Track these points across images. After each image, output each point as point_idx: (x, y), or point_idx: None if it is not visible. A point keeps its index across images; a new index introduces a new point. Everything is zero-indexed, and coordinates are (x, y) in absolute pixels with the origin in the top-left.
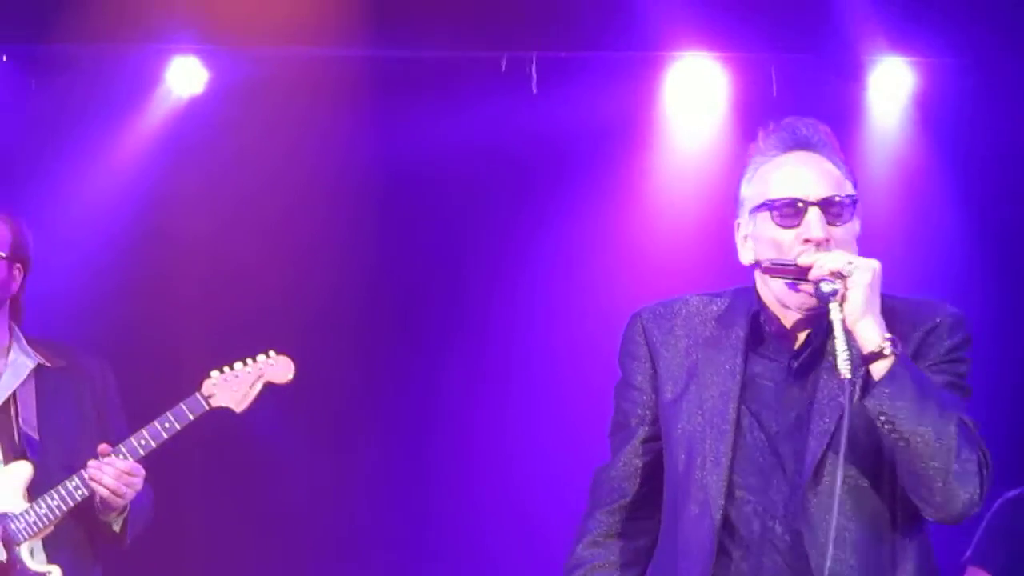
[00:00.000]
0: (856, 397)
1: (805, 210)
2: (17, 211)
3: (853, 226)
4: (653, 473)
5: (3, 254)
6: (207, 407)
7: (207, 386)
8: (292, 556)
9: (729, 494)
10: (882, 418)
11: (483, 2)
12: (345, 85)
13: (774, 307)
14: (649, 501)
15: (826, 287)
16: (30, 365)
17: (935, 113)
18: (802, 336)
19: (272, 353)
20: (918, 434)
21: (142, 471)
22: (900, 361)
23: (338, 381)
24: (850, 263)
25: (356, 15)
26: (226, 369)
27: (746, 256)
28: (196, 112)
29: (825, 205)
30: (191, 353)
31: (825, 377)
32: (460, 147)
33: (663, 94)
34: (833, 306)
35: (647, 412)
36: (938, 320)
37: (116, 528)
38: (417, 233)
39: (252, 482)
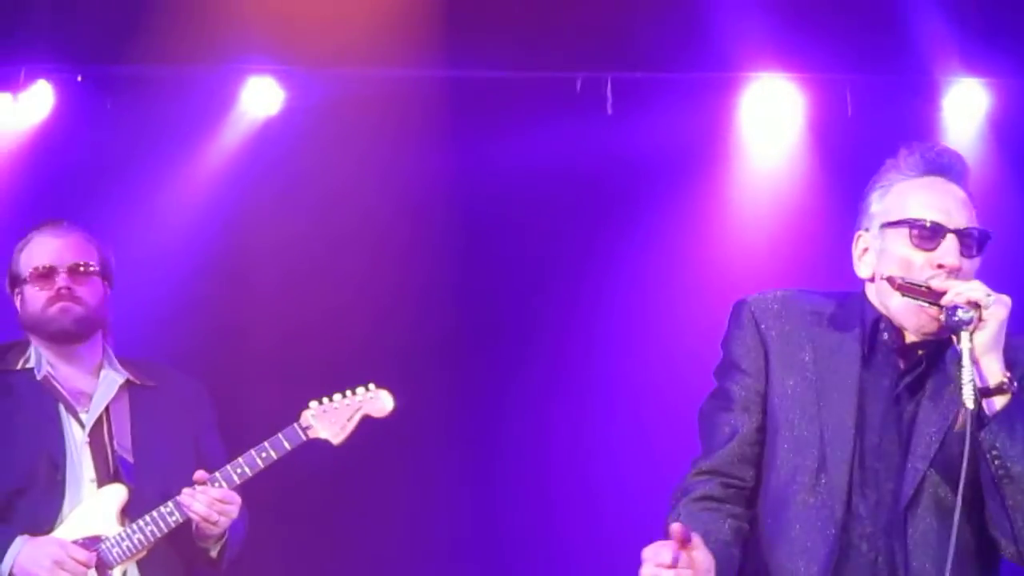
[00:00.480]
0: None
1: (943, 236)
2: (95, 231)
3: (977, 261)
4: (757, 463)
5: (95, 269)
6: (304, 438)
7: (305, 417)
8: None
9: (847, 498)
10: (993, 452)
11: (558, 23)
12: (421, 106)
13: (897, 321)
14: (749, 490)
15: (962, 314)
16: (119, 381)
17: (1011, 134)
18: (912, 356)
19: (372, 386)
20: (1022, 473)
21: (238, 499)
22: (1017, 399)
23: (421, 404)
24: (989, 295)
25: (432, 35)
26: (325, 400)
27: (864, 270)
28: (271, 133)
29: (962, 235)
30: (268, 385)
31: (927, 401)
32: (535, 169)
33: (738, 115)
34: (964, 335)
35: (756, 398)
36: None
37: (213, 554)
38: (494, 256)
39: (342, 511)
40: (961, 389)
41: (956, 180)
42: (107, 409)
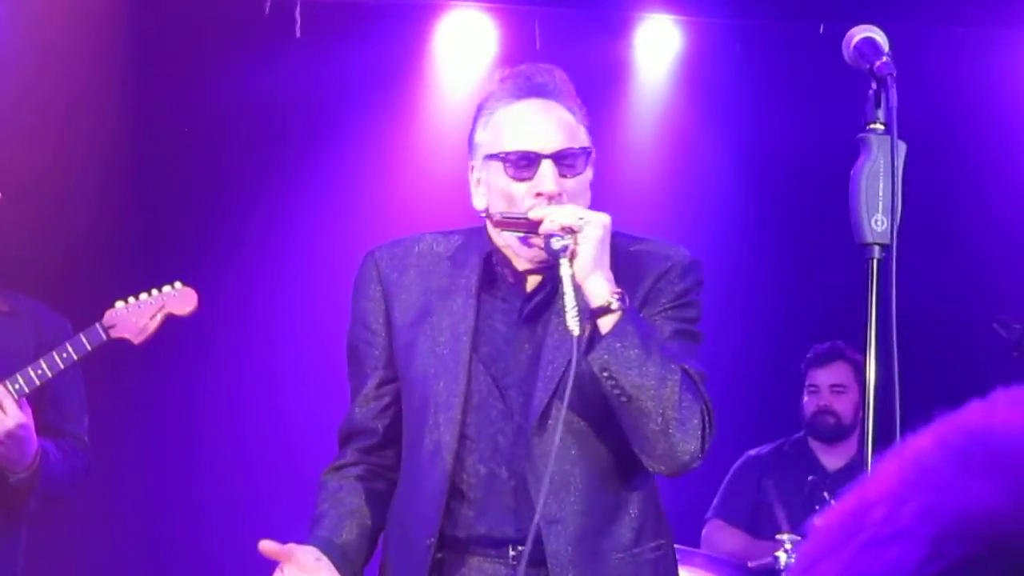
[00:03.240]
0: (582, 351)
1: (538, 163)
2: None
3: (586, 176)
4: (393, 416)
5: None
6: (105, 337)
7: (109, 316)
8: None
9: (461, 438)
10: (605, 373)
11: None
12: (114, 22)
13: (507, 251)
14: (391, 444)
15: (556, 243)
16: None
17: (700, 72)
18: (534, 281)
19: (178, 284)
20: (639, 388)
21: (15, 411)
22: (626, 316)
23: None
24: (581, 218)
25: None
26: (131, 299)
27: (478, 201)
28: None
29: (558, 158)
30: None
31: (555, 323)
32: (222, 93)
33: (430, 45)
34: (563, 262)
35: (382, 354)
36: (669, 264)
37: (11, 480)
38: (175, 181)
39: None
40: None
41: (554, 97)
42: None
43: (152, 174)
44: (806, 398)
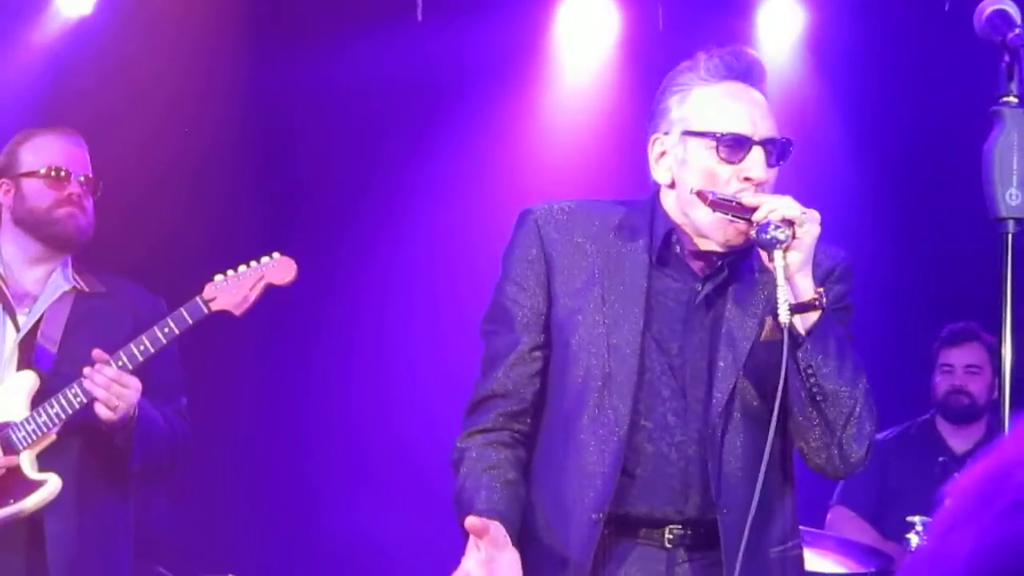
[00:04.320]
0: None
1: (749, 148)
2: None
3: (776, 171)
4: (540, 383)
5: (99, 187)
6: (207, 311)
7: (208, 290)
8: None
9: (632, 415)
10: (808, 371)
11: None
12: (231, 11)
13: (687, 229)
14: (532, 411)
15: (778, 233)
16: (65, 287)
17: (825, 50)
18: (709, 262)
19: (276, 254)
20: (836, 389)
21: (135, 382)
22: (825, 316)
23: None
24: (803, 212)
25: None
26: (230, 272)
27: (662, 175)
28: (85, 32)
29: (768, 145)
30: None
31: (731, 307)
32: (344, 75)
33: (552, 28)
34: (778, 253)
35: (536, 318)
36: (833, 265)
37: (119, 442)
38: (302, 163)
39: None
40: (773, 304)
41: (756, 84)
42: (44, 312)
43: (270, 158)
44: (938, 378)
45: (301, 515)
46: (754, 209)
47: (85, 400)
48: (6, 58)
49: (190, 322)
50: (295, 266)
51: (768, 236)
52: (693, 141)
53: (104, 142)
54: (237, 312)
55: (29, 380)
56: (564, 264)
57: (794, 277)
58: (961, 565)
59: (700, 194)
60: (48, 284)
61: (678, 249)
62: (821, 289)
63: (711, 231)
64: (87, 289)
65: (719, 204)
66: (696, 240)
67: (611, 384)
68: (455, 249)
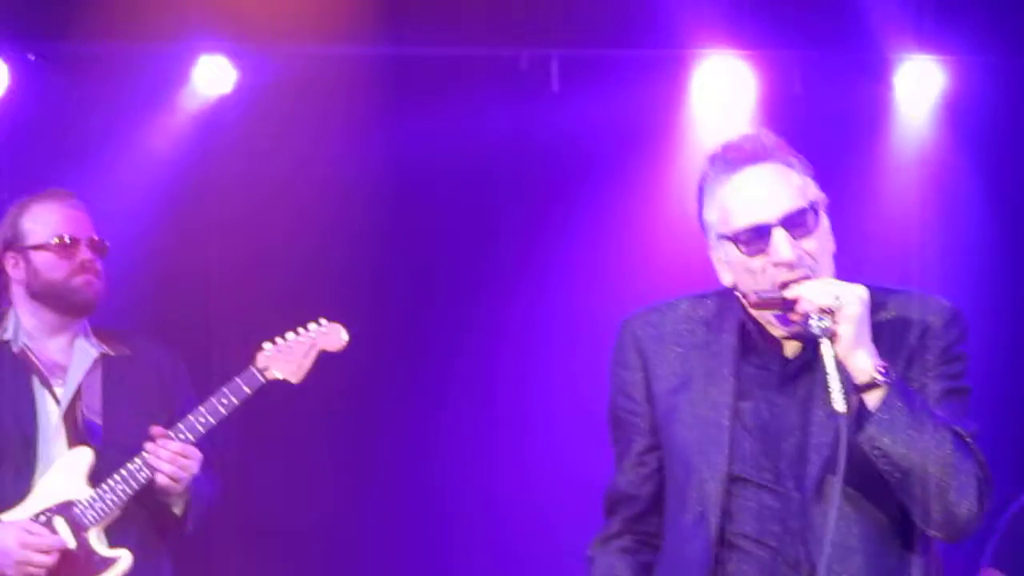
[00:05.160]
0: (851, 427)
1: (769, 233)
2: None
3: (823, 228)
4: (658, 483)
5: (107, 245)
6: (263, 380)
7: (261, 359)
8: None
9: (726, 504)
10: (876, 452)
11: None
12: (367, 83)
13: (762, 319)
14: (656, 511)
15: (816, 327)
16: (93, 354)
17: (965, 112)
18: (793, 346)
19: (323, 321)
20: (911, 463)
21: (197, 454)
22: (892, 390)
23: (349, 385)
24: (837, 297)
25: (377, 12)
26: (278, 340)
27: (725, 278)
28: (224, 111)
29: (787, 223)
30: (223, 345)
31: (819, 394)
32: (482, 147)
33: (686, 93)
34: (824, 343)
35: (644, 422)
36: (931, 319)
37: (177, 511)
38: (435, 233)
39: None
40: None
41: (768, 159)
42: (81, 383)
43: (407, 227)
44: None
45: None
46: (795, 302)
47: (149, 475)
48: (147, 138)
49: (248, 392)
50: (345, 332)
51: (810, 329)
52: (725, 243)
53: (240, 214)
54: (294, 380)
55: (86, 456)
56: (659, 367)
57: (847, 360)
58: None
59: (745, 297)
60: (75, 353)
61: (756, 338)
62: (884, 363)
63: (773, 326)
64: (113, 353)
65: (760, 305)
66: (770, 328)
67: (703, 475)
68: (587, 325)
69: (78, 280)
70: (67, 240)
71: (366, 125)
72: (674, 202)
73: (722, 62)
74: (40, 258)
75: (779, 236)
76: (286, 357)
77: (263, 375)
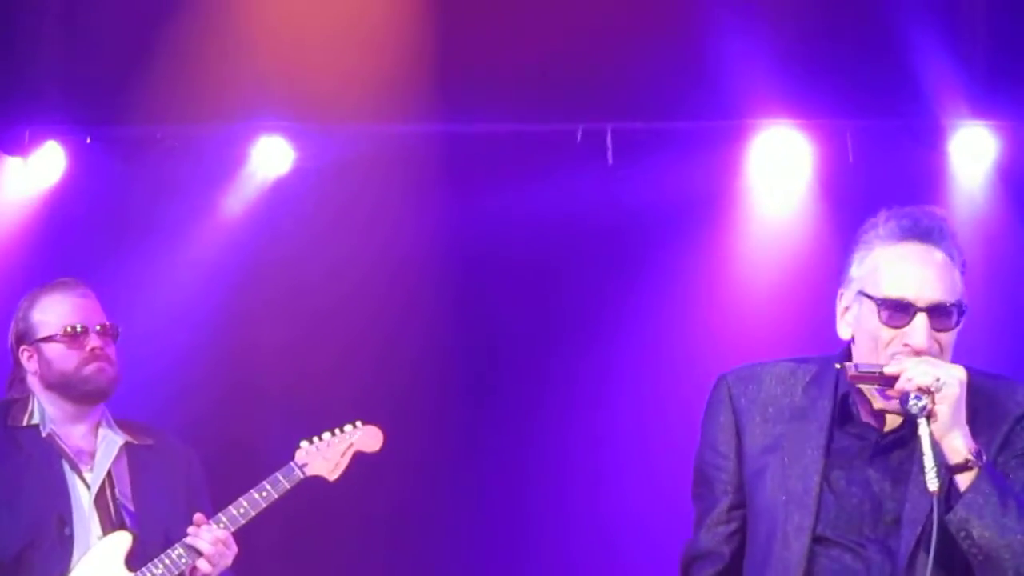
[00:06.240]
0: (942, 506)
1: (913, 314)
2: (107, 292)
3: (957, 329)
4: (740, 541)
5: (118, 330)
6: (302, 475)
7: (300, 455)
8: None
9: (809, 565)
10: (962, 533)
11: (557, 74)
12: (423, 160)
13: (865, 391)
14: (736, 569)
15: (914, 406)
16: (119, 442)
17: (1019, 179)
18: (891, 420)
19: (359, 423)
20: (995, 547)
21: (234, 544)
22: (983, 473)
23: (422, 461)
24: (938, 379)
25: (431, 89)
26: (315, 439)
27: (843, 331)
28: (282, 191)
29: (933, 312)
30: (279, 432)
31: (914, 470)
32: (538, 222)
33: (740, 164)
34: (921, 421)
35: (732, 479)
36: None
37: None
38: (495, 309)
39: (341, 553)
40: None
41: (936, 243)
42: (111, 469)
43: (466, 304)
44: None
45: None
46: (895, 379)
47: (190, 562)
48: (207, 220)
49: (288, 486)
50: (381, 435)
51: (908, 408)
52: (865, 302)
53: (299, 295)
54: (330, 478)
55: (125, 541)
56: (752, 426)
57: (942, 440)
58: None
59: (843, 368)
60: (100, 440)
61: (855, 410)
62: (976, 447)
63: (870, 399)
64: (136, 441)
65: (858, 378)
66: (871, 400)
67: (789, 538)
68: (652, 399)
69: (89, 368)
70: (76, 329)
71: (421, 202)
72: (731, 273)
73: (776, 132)
74: (51, 350)
75: (921, 321)
76: (324, 455)
77: (302, 471)
